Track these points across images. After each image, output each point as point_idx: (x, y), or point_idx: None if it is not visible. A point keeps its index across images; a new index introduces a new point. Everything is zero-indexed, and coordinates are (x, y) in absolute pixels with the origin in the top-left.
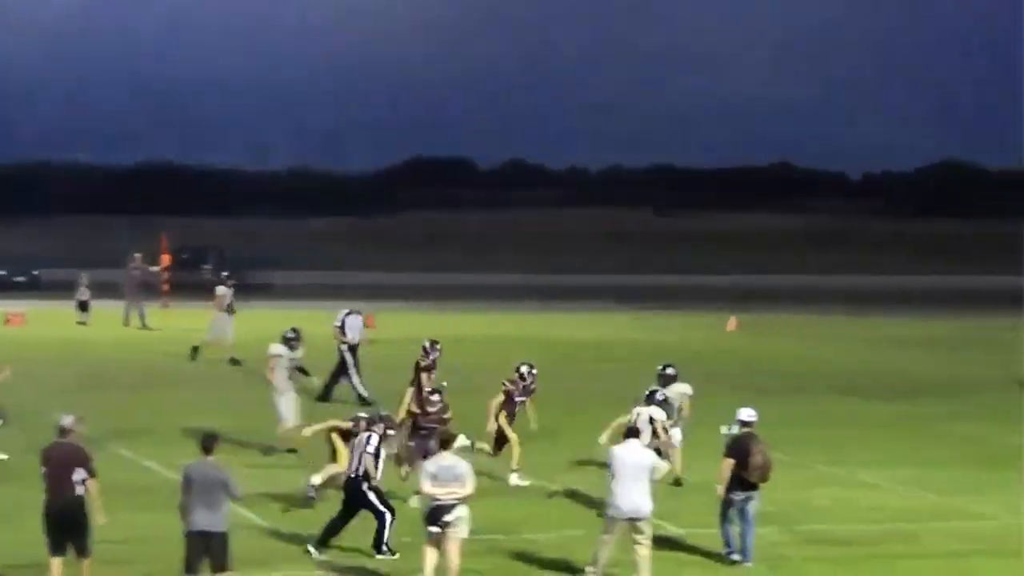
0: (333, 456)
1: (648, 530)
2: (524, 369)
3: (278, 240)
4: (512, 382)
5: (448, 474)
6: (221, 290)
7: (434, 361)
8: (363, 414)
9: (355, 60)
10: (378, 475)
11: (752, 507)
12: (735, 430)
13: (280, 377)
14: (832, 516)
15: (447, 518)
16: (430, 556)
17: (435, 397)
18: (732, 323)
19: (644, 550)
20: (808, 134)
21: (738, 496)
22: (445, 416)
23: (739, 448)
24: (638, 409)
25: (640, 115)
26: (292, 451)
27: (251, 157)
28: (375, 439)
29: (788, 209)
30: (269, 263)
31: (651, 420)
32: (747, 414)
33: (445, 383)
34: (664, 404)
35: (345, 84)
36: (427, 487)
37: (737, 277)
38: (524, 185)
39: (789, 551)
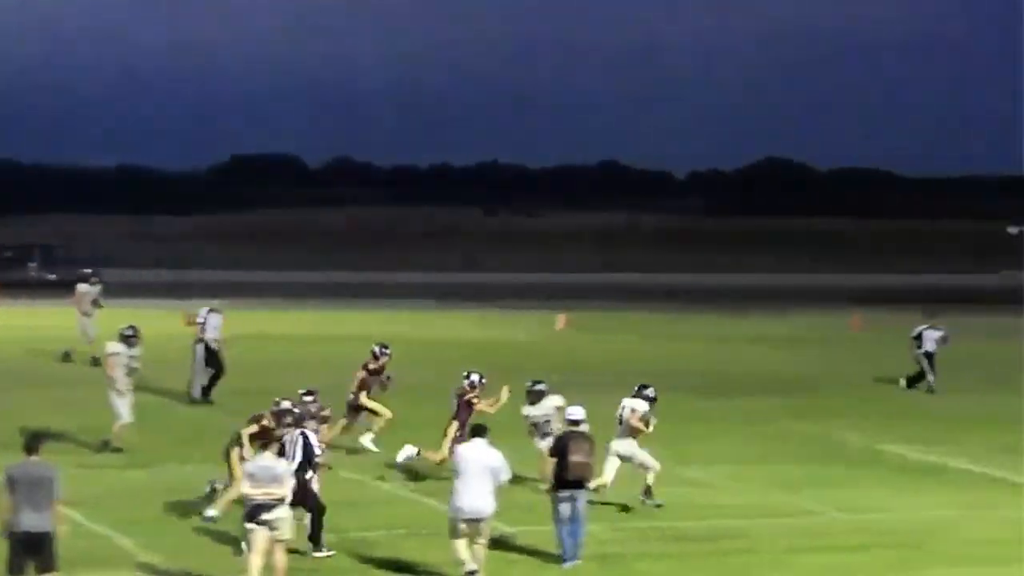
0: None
1: (487, 531)
2: (475, 377)
3: (105, 238)
4: (466, 391)
5: (266, 475)
6: (83, 288)
7: (383, 365)
8: (271, 409)
9: (181, 58)
10: (314, 471)
11: (580, 505)
12: (582, 428)
13: (119, 375)
14: (664, 513)
15: (265, 517)
16: (255, 557)
17: (309, 397)
18: (561, 321)
19: (480, 550)
20: (635, 133)
21: (563, 494)
22: (323, 414)
23: (561, 447)
24: (624, 401)
25: (468, 113)
26: (117, 450)
27: (78, 155)
28: (312, 438)
29: (615, 207)
30: (96, 261)
31: (632, 411)
32: (575, 413)
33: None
34: (654, 402)
35: (172, 82)
36: (245, 488)
37: (565, 275)
38: (351, 183)
39: (621, 548)
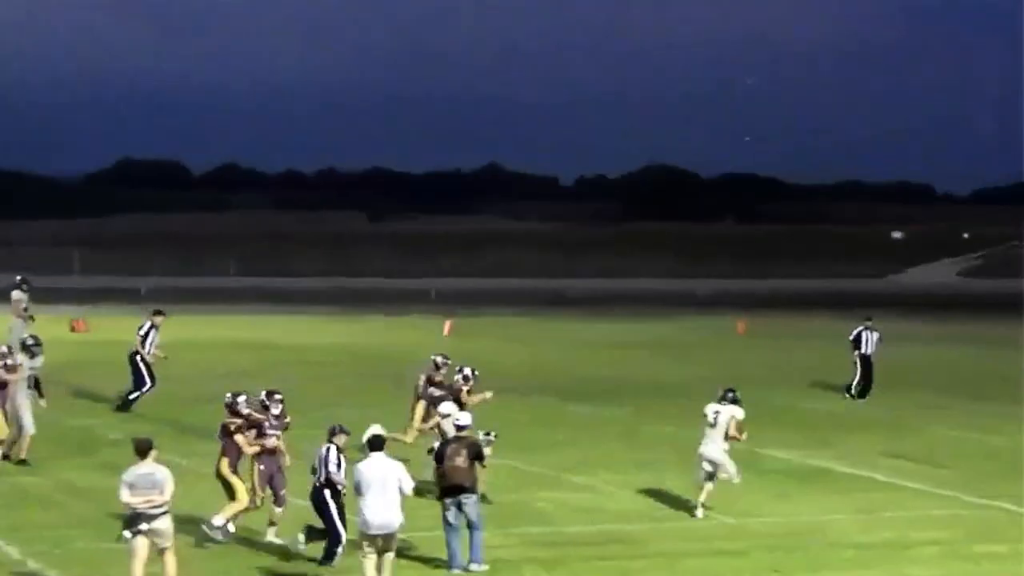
0: (229, 493)
1: (395, 543)
2: (467, 371)
3: None
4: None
5: (146, 482)
6: (16, 295)
7: (445, 376)
8: (228, 403)
9: (67, 61)
10: (340, 486)
11: (469, 510)
12: (492, 436)
13: (22, 387)
14: (549, 518)
15: (143, 526)
16: (136, 565)
17: (278, 396)
18: (447, 327)
19: (389, 565)
20: (519, 138)
21: (446, 500)
22: (286, 421)
23: (440, 453)
24: (716, 407)
25: (353, 119)
26: (23, 462)
27: None
28: (334, 452)
29: (500, 212)
30: None
31: (733, 419)
32: (461, 419)
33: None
34: (739, 403)
35: (54, 85)
36: (125, 496)
37: (452, 280)
38: (238, 188)
39: (506, 553)
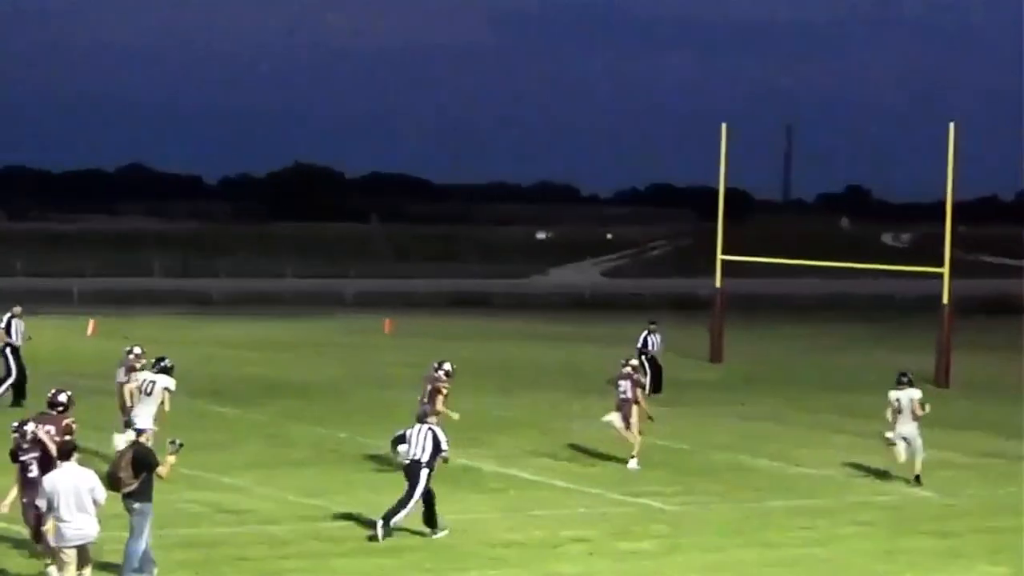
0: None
1: (89, 554)
2: (635, 362)
3: None
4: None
5: None
6: None
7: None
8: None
9: None
10: (434, 462)
11: (132, 517)
12: (177, 444)
13: None
14: (196, 520)
15: None
16: None
17: (45, 424)
18: (91, 327)
19: (87, 571)
20: (163, 136)
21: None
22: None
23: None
24: (898, 394)
25: None
26: None
27: None
28: (437, 431)
29: (142, 211)
30: None
31: (912, 400)
32: (138, 422)
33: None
34: (912, 385)
35: None
36: None
37: (95, 280)
38: None
39: (155, 556)
